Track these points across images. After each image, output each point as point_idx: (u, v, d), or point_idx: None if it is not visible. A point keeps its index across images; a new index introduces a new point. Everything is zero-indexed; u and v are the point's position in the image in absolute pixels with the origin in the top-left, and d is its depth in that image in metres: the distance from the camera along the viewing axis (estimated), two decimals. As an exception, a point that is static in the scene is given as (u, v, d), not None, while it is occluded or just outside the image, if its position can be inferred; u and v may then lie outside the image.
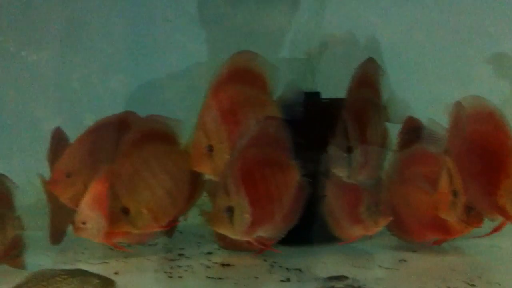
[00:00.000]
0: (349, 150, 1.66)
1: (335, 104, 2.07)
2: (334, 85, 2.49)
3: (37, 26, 2.47)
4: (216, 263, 1.87)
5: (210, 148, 1.67)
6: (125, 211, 1.74)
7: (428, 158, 1.89)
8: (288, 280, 1.71)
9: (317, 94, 2.17)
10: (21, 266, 1.75)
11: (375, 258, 1.92)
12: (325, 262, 1.86)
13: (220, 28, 2.61)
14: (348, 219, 1.89)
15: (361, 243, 1.98)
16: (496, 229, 1.87)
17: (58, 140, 2.09)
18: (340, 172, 1.67)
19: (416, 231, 1.94)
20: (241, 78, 1.71)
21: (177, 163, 1.79)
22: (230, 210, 1.58)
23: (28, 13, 2.46)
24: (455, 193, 1.72)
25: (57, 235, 2.05)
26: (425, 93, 2.45)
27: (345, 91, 2.17)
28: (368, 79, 1.77)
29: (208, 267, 1.84)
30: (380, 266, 1.84)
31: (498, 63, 2.46)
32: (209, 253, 1.97)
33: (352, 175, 1.69)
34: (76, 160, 1.96)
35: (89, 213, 1.86)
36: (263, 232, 1.70)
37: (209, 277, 1.75)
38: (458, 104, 1.76)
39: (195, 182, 1.85)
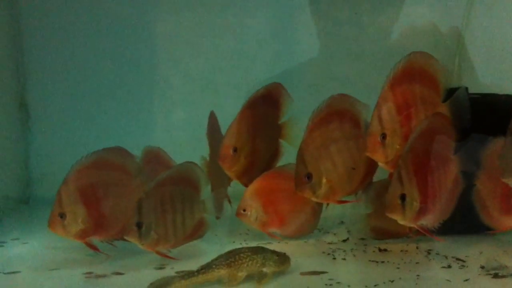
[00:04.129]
0: None
1: (483, 99, 2.18)
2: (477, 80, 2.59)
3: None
4: (375, 247, 2.00)
5: (384, 136, 1.78)
6: (309, 177, 1.90)
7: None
8: (450, 266, 1.81)
9: (465, 89, 2.24)
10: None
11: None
12: (481, 251, 1.94)
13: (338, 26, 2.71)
14: (500, 209, 1.95)
15: (506, 235, 2.04)
16: None
17: (213, 121, 2.31)
18: (511, 181, 1.77)
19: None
20: (416, 76, 1.82)
21: (359, 146, 1.91)
22: (403, 197, 1.71)
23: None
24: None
25: (218, 209, 2.26)
26: None
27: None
28: None
29: (366, 251, 1.98)
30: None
31: None
32: (362, 239, 2.11)
33: None
34: (240, 136, 2.14)
35: (250, 202, 2.08)
36: (425, 220, 1.80)
37: (371, 261, 1.89)
38: None
39: (369, 168, 1.96)
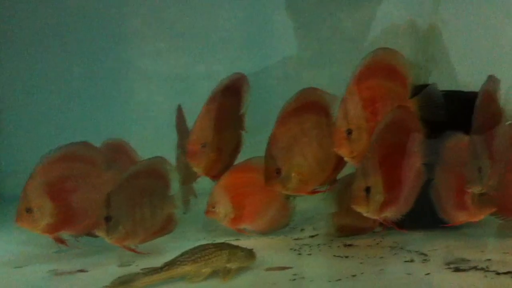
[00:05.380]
0: (480, 170, 1.79)
1: (449, 96, 2.21)
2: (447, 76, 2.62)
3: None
4: (341, 242, 2.02)
5: (349, 132, 1.80)
6: (278, 172, 1.90)
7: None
8: (412, 261, 1.84)
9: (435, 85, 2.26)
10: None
11: (492, 243, 2.00)
12: (444, 246, 1.97)
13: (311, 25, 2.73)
14: (454, 204, 1.96)
15: (472, 228, 2.09)
16: None
17: (180, 116, 2.32)
18: (474, 189, 1.82)
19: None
20: (382, 72, 1.83)
21: (329, 137, 1.90)
22: (368, 190, 1.73)
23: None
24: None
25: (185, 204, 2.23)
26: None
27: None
28: (491, 97, 1.86)
29: (331, 247, 2.00)
30: (498, 250, 1.91)
31: None
32: (328, 234, 2.12)
33: (484, 188, 1.82)
34: (208, 130, 2.13)
35: (219, 199, 2.08)
36: (389, 213, 1.82)
37: (336, 256, 1.91)
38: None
39: (340, 157, 1.93)
